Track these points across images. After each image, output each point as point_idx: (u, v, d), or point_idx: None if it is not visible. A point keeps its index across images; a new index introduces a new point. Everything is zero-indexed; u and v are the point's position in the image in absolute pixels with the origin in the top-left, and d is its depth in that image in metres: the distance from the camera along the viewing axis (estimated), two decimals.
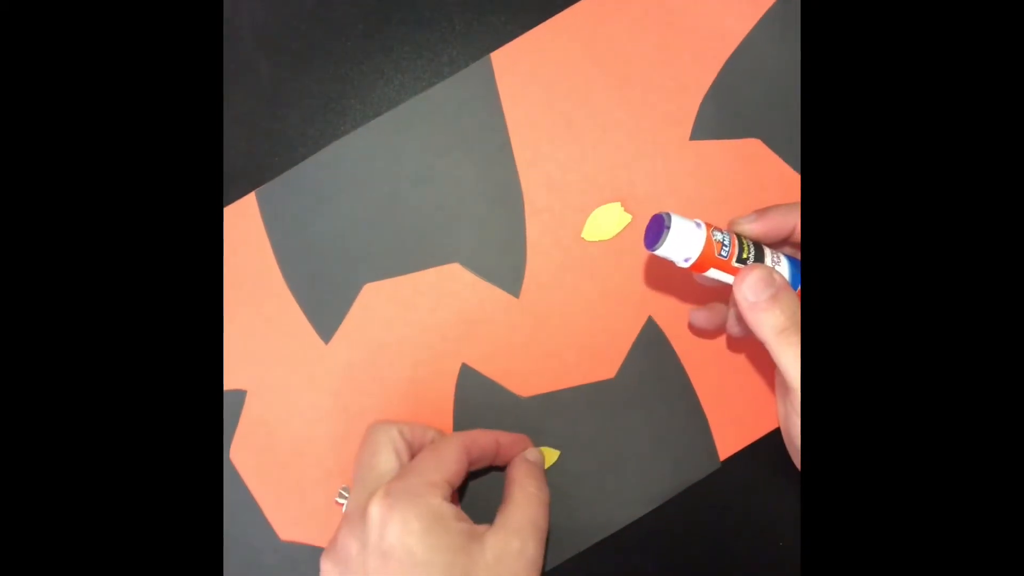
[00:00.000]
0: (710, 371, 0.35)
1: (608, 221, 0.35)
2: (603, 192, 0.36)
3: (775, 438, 0.35)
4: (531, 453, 0.33)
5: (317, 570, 0.35)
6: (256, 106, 0.36)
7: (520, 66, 0.36)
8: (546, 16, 0.36)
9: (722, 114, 0.36)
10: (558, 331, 0.35)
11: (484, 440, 0.32)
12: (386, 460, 0.30)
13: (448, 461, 0.29)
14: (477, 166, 0.36)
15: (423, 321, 0.35)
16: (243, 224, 0.36)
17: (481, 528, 0.29)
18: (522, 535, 0.29)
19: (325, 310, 0.36)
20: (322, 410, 0.35)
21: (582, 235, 0.35)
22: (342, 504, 0.32)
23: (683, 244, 0.28)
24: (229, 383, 0.35)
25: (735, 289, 0.28)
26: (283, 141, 0.36)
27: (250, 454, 0.35)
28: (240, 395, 0.35)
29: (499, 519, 0.29)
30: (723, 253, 0.29)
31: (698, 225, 0.29)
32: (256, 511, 0.35)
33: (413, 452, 0.31)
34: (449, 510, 0.28)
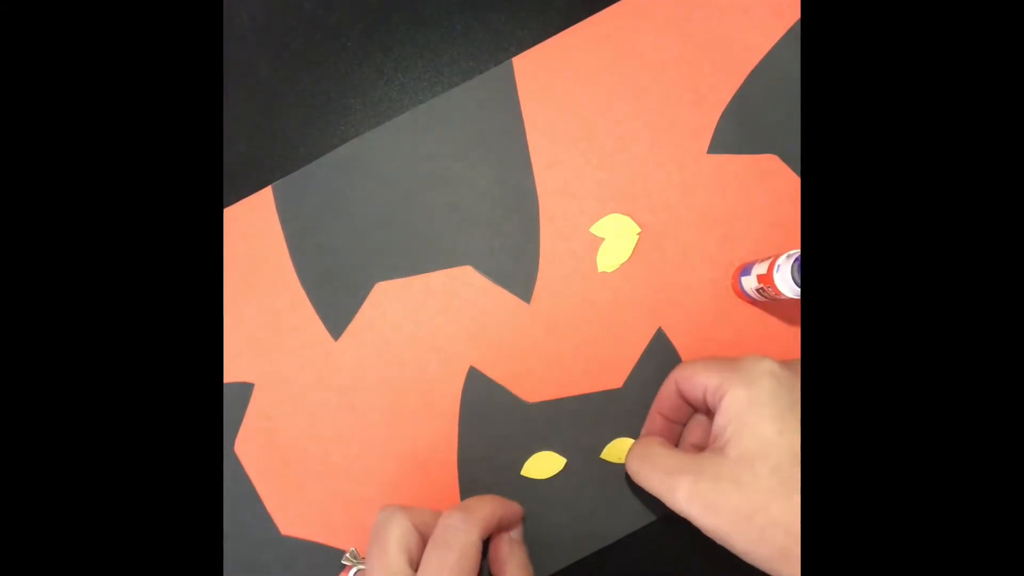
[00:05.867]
0: None
1: (618, 239, 0.35)
2: (618, 201, 0.36)
3: None
4: (516, 532, 0.34)
5: (316, 566, 0.35)
6: (256, 106, 0.36)
7: (541, 72, 0.36)
8: (546, 16, 0.36)
9: (741, 128, 0.36)
10: (567, 339, 0.35)
11: (485, 525, 0.31)
12: (397, 561, 0.30)
13: None
14: (494, 169, 0.36)
15: (433, 322, 0.35)
16: (258, 217, 0.36)
17: None
18: None
19: (336, 307, 0.36)
20: (328, 406, 0.35)
21: (599, 270, 0.35)
22: (348, 567, 0.32)
23: None
24: (237, 375, 0.35)
25: None
26: (283, 141, 0.36)
27: (254, 447, 0.35)
28: (247, 388, 0.35)
29: None
30: None
31: None
32: (258, 504, 0.35)
33: (424, 539, 0.31)
34: None
